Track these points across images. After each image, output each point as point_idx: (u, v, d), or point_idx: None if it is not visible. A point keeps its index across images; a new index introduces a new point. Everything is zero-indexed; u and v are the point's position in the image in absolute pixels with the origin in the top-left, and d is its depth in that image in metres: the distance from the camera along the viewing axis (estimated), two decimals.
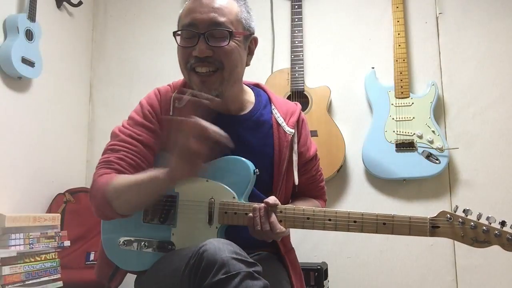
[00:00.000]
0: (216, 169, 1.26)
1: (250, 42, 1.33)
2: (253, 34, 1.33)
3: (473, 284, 2.22)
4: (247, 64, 1.34)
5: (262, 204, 1.19)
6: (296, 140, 1.38)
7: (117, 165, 1.23)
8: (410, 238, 2.29)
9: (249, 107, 1.39)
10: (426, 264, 2.29)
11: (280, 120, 1.37)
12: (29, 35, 2.22)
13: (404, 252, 2.32)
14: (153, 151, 1.30)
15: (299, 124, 1.41)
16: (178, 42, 1.27)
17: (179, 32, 1.26)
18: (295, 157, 1.37)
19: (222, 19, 1.23)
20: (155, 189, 1.17)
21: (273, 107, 1.40)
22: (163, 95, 1.34)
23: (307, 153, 1.42)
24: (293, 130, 1.37)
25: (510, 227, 1.11)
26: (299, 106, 1.46)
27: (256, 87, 1.47)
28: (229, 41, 1.23)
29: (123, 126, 1.32)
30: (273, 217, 1.18)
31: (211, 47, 1.22)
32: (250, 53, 1.34)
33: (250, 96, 1.41)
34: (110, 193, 1.18)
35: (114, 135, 1.31)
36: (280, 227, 1.18)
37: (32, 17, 2.25)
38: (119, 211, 1.20)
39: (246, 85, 1.43)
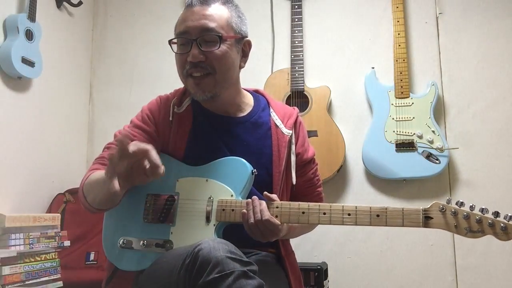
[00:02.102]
0: (215, 170, 1.31)
1: (243, 45, 1.38)
2: (246, 37, 1.39)
3: (473, 284, 2.22)
4: (242, 67, 1.40)
5: (255, 197, 1.22)
6: (294, 141, 1.42)
7: (107, 161, 1.26)
8: (410, 238, 2.31)
9: (248, 109, 1.44)
10: (426, 264, 2.29)
11: (278, 122, 1.42)
12: (29, 35, 2.22)
13: (404, 252, 2.32)
14: None
15: (296, 126, 1.46)
16: (174, 49, 1.36)
17: (174, 40, 1.36)
18: (293, 158, 1.40)
19: (212, 24, 1.30)
20: (104, 187, 1.18)
21: (271, 110, 1.45)
22: (164, 101, 1.44)
23: (305, 154, 1.45)
24: (290, 131, 1.41)
25: (504, 218, 1.12)
26: (296, 109, 1.51)
27: (255, 92, 1.52)
28: (219, 45, 1.29)
29: (123, 128, 1.42)
30: (264, 206, 1.21)
31: (203, 52, 1.29)
32: (244, 55, 1.40)
33: (249, 99, 1.47)
34: (84, 189, 1.29)
35: (114, 136, 1.41)
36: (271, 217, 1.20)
37: (32, 17, 2.25)
38: (94, 206, 1.27)
39: (246, 91, 1.49)
